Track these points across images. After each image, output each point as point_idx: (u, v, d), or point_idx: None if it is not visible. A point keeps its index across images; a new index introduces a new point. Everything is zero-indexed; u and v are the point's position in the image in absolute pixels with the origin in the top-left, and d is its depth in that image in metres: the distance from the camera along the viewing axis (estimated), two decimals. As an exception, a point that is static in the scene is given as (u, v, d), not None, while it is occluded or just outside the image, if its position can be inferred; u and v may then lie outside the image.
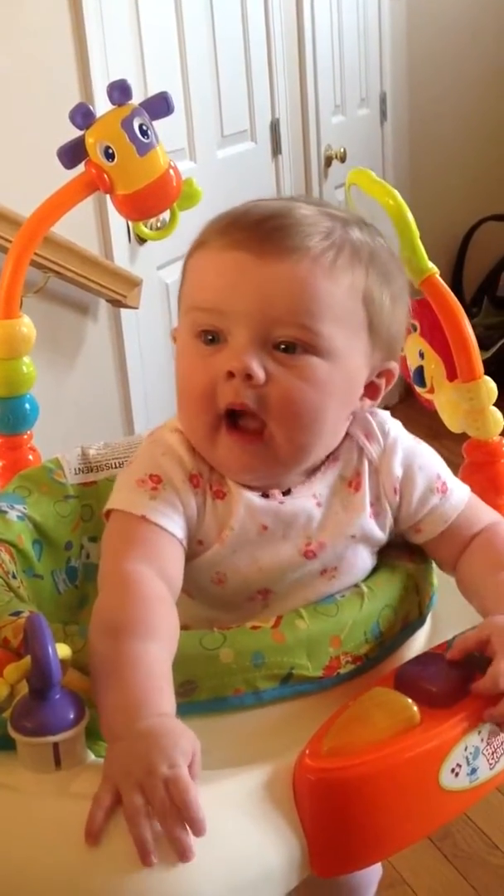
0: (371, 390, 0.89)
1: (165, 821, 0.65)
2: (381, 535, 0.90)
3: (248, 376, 0.81)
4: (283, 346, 0.82)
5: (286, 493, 0.87)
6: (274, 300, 0.81)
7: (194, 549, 0.86)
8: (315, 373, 0.82)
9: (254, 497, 0.86)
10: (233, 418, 0.83)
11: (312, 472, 0.89)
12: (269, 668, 0.79)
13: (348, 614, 0.83)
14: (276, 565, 0.86)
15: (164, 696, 0.72)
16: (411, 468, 0.90)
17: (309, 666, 0.80)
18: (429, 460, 0.92)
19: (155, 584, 0.79)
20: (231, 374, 0.81)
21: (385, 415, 0.93)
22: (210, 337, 0.83)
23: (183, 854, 0.64)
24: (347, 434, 0.90)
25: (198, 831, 0.65)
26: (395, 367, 0.90)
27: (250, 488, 0.86)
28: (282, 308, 0.81)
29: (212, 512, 0.86)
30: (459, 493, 0.92)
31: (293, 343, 0.82)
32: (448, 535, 0.91)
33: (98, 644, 0.75)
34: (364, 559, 0.90)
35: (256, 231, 0.82)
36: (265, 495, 0.86)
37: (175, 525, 0.83)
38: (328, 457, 0.89)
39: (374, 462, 0.90)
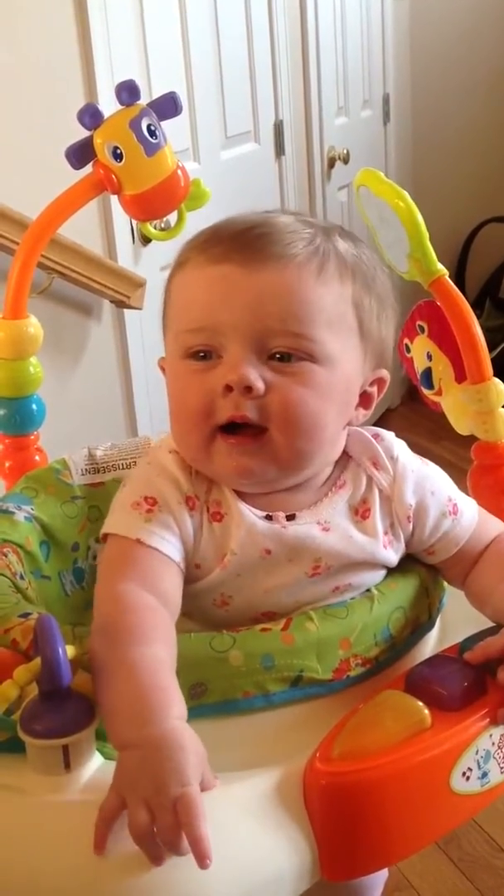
0: (364, 399, 0.89)
1: (170, 845, 0.64)
2: (394, 560, 0.89)
3: (248, 388, 0.80)
4: (278, 356, 0.81)
5: (290, 517, 0.86)
6: (265, 310, 0.80)
7: (192, 572, 0.85)
8: (314, 378, 0.82)
9: (256, 519, 0.84)
10: (230, 428, 0.82)
11: (319, 497, 0.87)
12: (279, 671, 0.79)
13: (358, 617, 0.83)
14: (283, 586, 0.85)
15: (171, 697, 0.71)
16: (424, 496, 0.89)
17: (319, 668, 0.80)
18: (439, 484, 0.91)
19: (147, 597, 0.78)
20: (229, 388, 0.80)
21: (390, 437, 0.92)
22: (202, 354, 0.83)
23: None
24: (353, 459, 0.89)
25: (202, 863, 0.63)
26: (386, 374, 0.90)
27: (252, 504, 0.85)
28: (274, 317, 0.80)
29: (209, 535, 0.84)
30: (470, 513, 0.92)
31: (288, 352, 0.81)
32: (460, 555, 0.91)
33: (97, 656, 0.74)
34: (377, 576, 0.89)
35: (238, 241, 0.81)
36: (268, 517, 0.85)
37: (171, 547, 0.82)
38: (335, 480, 0.88)
39: (385, 491, 0.89)
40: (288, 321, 0.80)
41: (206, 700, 0.77)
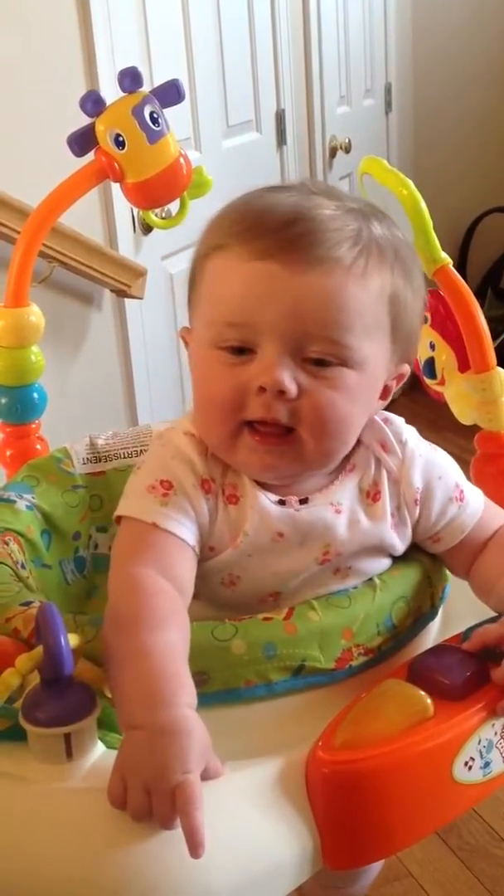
0: (384, 391, 0.89)
1: (164, 828, 0.64)
2: (400, 547, 0.89)
3: (281, 392, 0.79)
4: (313, 360, 0.80)
5: (303, 501, 0.86)
6: (306, 314, 0.79)
7: (206, 554, 0.85)
8: (346, 382, 0.81)
9: (269, 504, 0.84)
10: (259, 423, 0.81)
11: (330, 480, 0.87)
12: (281, 660, 0.78)
13: (361, 606, 0.83)
14: (292, 571, 0.85)
15: (183, 685, 0.71)
16: (431, 480, 0.89)
17: (321, 658, 0.80)
18: (447, 470, 0.91)
19: (162, 583, 0.78)
20: (262, 389, 0.79)
21: (400, 422, 0.92)
22: (236, 348, 0.81)
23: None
24: (362, 443, 0.89)
25: (194, 852, 0.63)
26: (407, 370, 0.90)
27: (267, 489, 0.85)
28: (314, 322, 0.79)
29: (224, 517, 0.84)
30: (476, 502, 0.92)
31: (324, 358, 0.80)
32: (464, 543, 0.91)
33: (111, 641, 0.74)
34: (381, 564, 0.89)
35: (282, 237, 0.79)
36: (282, 502, 0.85)
37: (187, 531, 0.82)
38: (344, 464, 0.88)
39: (394, 473, 0.89)
40: (328, 327, 0.79)
41: (207, 689, 0.77)
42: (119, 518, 0.85)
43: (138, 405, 2.21)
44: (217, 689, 0.77)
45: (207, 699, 0.76)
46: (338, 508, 0.86)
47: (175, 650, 0.73)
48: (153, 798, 0.64)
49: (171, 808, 0.64)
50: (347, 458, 0.88)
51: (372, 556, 0.88)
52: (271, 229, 0.80)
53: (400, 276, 0.84)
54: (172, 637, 0.74)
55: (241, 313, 0.80)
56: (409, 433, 0.91)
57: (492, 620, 0.83)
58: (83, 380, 2.05)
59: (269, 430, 0.81)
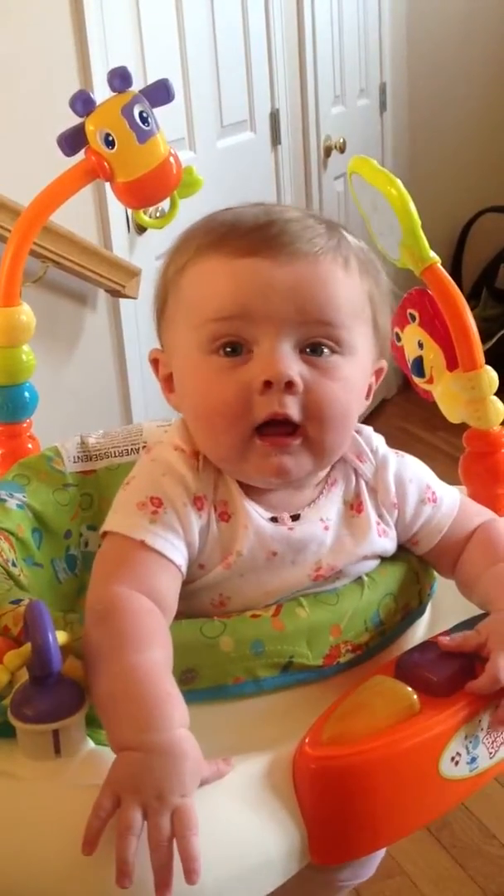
0: (368, 390, 0.89)
1: (158, 850, 0.63)
2: (390, 550, 0.90)
3: (289, 384, 0.78)
4: (309, 349, 0.80)
5: (295, 517, 0.85)
6: (301, 302, 0.79)
7: (194, 572, 0.83)
8: (342, 372, 0.81)
9: (263, 522, 0.84)
10: (264, 426, 0.80)
11: (317, 494, 0.87)
12: (269, 657, 0.79)
13: (348, 603, 0.83)
14: (285, 588, 0.84)
15: (175, 706, 0.70)
16: (402, 482, 0.90)
17: (309, 654, 0.80)
18: (416, 472, 0.92)
19: (146, 602, 0.76)
20: (268, 384, 0.78)
21: (369, 431, 0.93)
22: (230, 348, 0.80)
23: (160, 888, 0.63)
24: (342, 456, 0.89)
25: (190, 878, 0.63)
26: (385, 364, 0.91)
27: (258, 504, 0.84)
28: (310, 310, 0.79)
29: (215, 535, 0.83)
30: (450, 500, 0.92)
31: (320, 345, 0.81)
32: (444, 544, 0.91)
33: (95, 659, 0.73)
34: (371, 564, 0.89)
35: (263, 236, 0.80)
36: (273, 519, 0.84)
37: (175, 551, 0.80)
38: (327, 477, 0.88)
39: (370, 482, 0.89)
40: (322, 310, 0.80)
41: (196, 686, 0.77)
42: (105, 533, 0.83)
43: (133, 405, 2.21)
44: (205, 686, 0.78)
45: (196, 696, 0.76)
46: (326, 525, 0.86)
47: (163, 669, 0.72)
48: (149, 819, 0.64)
49: (167, 830, 0.64)
50: (330, 471, 0.89)
51: (363, 562, 0.88)
52: (248, 231, 0.81)
53: (372, 277, 0.87)
54: (159, 656, 0.73)
55: (232, 307, 0.79)
56: (379, 441, 0.92)
57: (479, 618, 0.83)
58: (77, 380, 2.05)
59: (279, 431, 0.80)
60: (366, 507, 0.88)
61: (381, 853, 1.25)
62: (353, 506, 0.88)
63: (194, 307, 0.83)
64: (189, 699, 0.73)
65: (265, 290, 0.79)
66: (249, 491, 0.85)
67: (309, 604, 0.82)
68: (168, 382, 0.89)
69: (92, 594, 0.79)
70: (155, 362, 0.89)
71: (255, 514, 0.84)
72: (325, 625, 0.81)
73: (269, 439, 0.80)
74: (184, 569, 0.81)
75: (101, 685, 0.71)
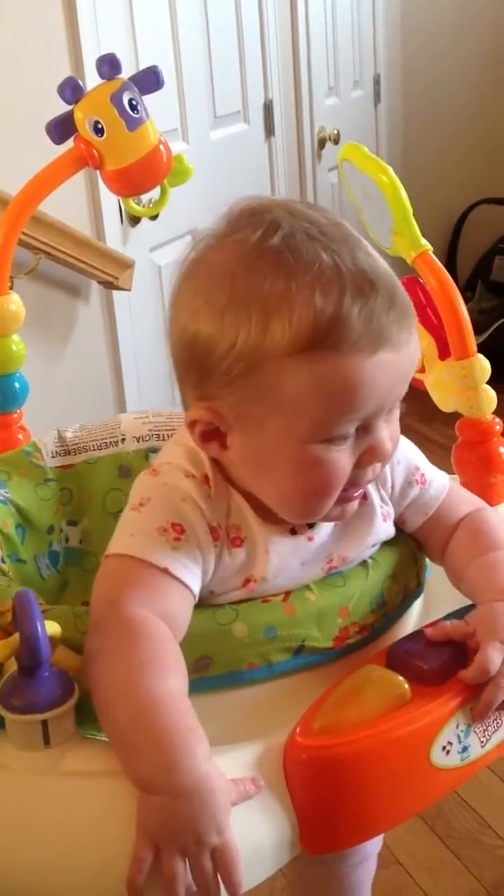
0: None
1: (206, 890, 0.65)
2: (392, 533, 0.90)
3: (388, 458, 0.80)
4: None
5: (311, 525, 0.84)
6: (404, 384, 0.79)
7: (203, 597, 0.81)
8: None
9: (282, 539, 0.83)
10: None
11: None
12: (282, 641, 0.79)
13: (356, 585, 0.83)
14: (298, 586, 0.84)
15: (197, 738, 0.68)
16: (391, 465, 0.89)
17: (319, 637, 0.80)
18: (406, 454, 0.91)
19: (161, 626, 0.74)
20: (374, 459, 0.78)
21: None
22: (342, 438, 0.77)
23: None
24: None
25: None
26: None
27: (272, 519, 0.82)
28: (405, 386, 0.79)
29: (229, 561, 0.82)
30: (439, 484, 0.92)
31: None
32: (431, 526, 0.91)
33: (110, 686, 0.71)
34: (373, 549, 0.89)
35: (392, 319, 0.75)
36: (293, 531, 0.84)
37: (195, 579, 0.78)
38: None
39: None
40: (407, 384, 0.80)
41: (210, 673, 0.77)
42: (115, 554, 0.79)
43: (127, 397, 2.21)
44: (220, 673, 0.78)
45: (210, 683, 0.77)
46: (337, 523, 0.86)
47: (183, 700, 0.70)
48: (192, 863, 0.64)
49: (213, 872, 0.64)
50: None
51: (370, 547, 0.88)
52: (383, 308, 0.74)
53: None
54: (178, 685, 0.71)
55: (364, 408, 0.76)
56: None
57: (471, 608, 0.83)
58: (71, 372, 2.05)
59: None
60: (370, 492, 0.88)
61: (379, 845, 1.25)
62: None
63: (303, 404, 0.75)
64: (203, 686, 0.74)
65: (392, 384, 0.77)
66: (258, 508, 0.82)
67: (317, 588, 0.82)
68: (213, 438, 0.80)
69: (99, 615, 0.76)
70: (192, 425, 0.80)
71: (274, 536, 0.82)
72: (334, 607, 0.82)
73: (351, 501, 0.82)
74: (198, 596, 0.80)
75: (117, 711, 0.70)
